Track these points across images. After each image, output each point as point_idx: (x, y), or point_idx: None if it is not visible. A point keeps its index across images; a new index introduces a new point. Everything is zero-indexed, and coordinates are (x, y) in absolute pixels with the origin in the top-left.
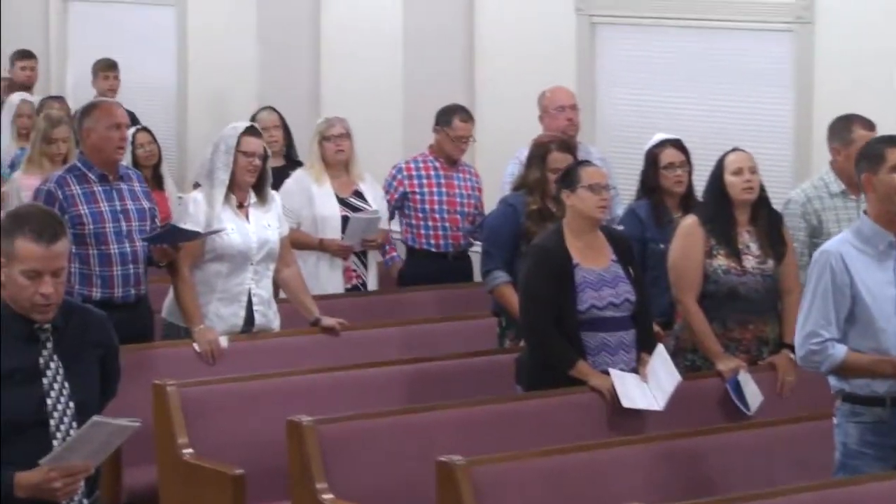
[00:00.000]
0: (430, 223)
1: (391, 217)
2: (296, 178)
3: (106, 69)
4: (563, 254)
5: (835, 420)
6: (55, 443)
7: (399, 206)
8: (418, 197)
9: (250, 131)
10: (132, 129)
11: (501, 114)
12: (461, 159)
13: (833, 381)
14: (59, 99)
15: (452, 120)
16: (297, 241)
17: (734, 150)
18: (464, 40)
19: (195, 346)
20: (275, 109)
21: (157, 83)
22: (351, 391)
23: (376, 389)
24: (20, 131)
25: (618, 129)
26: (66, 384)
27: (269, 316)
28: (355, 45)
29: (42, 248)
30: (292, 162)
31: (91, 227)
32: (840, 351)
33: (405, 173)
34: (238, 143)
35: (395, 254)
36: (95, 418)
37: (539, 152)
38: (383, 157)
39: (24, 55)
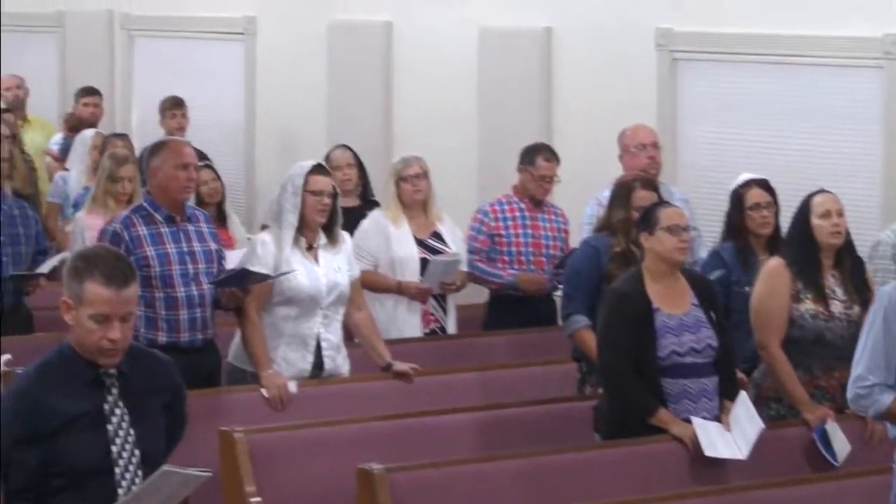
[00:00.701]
0: (517, 266)
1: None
2: (372, 219)
3: (173, 107)
4: (641, 298)
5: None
6: (120, 491)
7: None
8: (505, 240)
9: (318, 170)
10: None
11: (579, 153)
12: (546, 199)
13: (890, 427)
14: (123, 136)
15: (536, 159)
16: (375, 284)
17: (820, 191)
18: (541, 76)
19: (263, 391)
20: (349, 148)
21: (224, 120)
22: (424, 438)
23: (450, 437)
24: (94, 163)
25: (700, 169)
26: (132, 431)
27: (338, 361)
28: (428, 81)
29: (112, 293)
30: (368, 202)
31: (157, 269)
32: (887, 398)
33: (491, 216)
34: (305, 183)
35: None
36: (165, 467)
37: (623, 191)
38: (457, 197)
39: (88, 92)
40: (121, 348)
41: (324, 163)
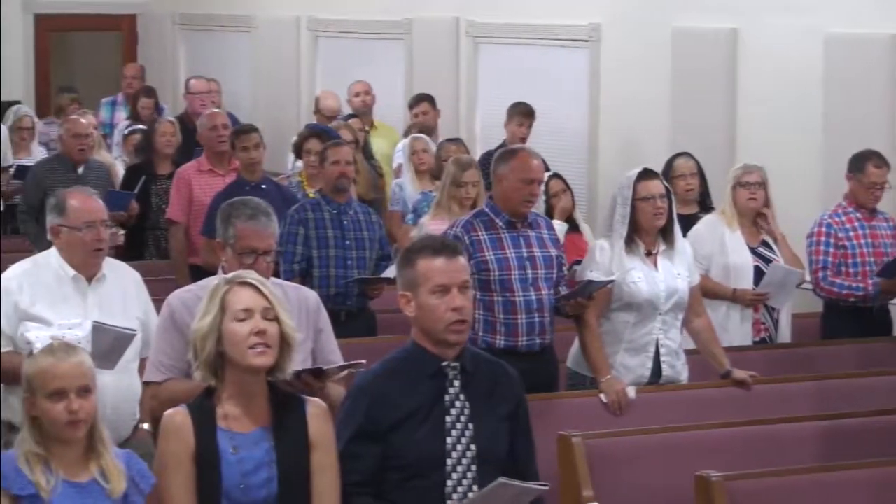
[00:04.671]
0: (860, 278)
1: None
2: (707, 222)
3: (521, 116)
4: None
5: None
6: (449, 483)
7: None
8: (849, 252)
9: (645, 175)
10: (545, 175)
11: None
12: (877, 206)
13: None
14: (457, 141)
15: (866, 166)
16: (709, 291)
17: None
18: (889, 84)
19: (602, 396)
20: (692, 156)
21: (567, 127)
22: (762, 446)
23: (789, 445)
24: (417, 168)
25: None
26: (470, 426)
27: (676, 367)
28: (773, 89)
29: (444, 262)
30: (707, 210)
31: (496, 273)
32: None
33: (834, 227)
34: (634, 192)
35: None
36: (501, 479)
37: None
38: (801, 207)
39: (420, 99)
40: (466, 319)
41: (651, 168)
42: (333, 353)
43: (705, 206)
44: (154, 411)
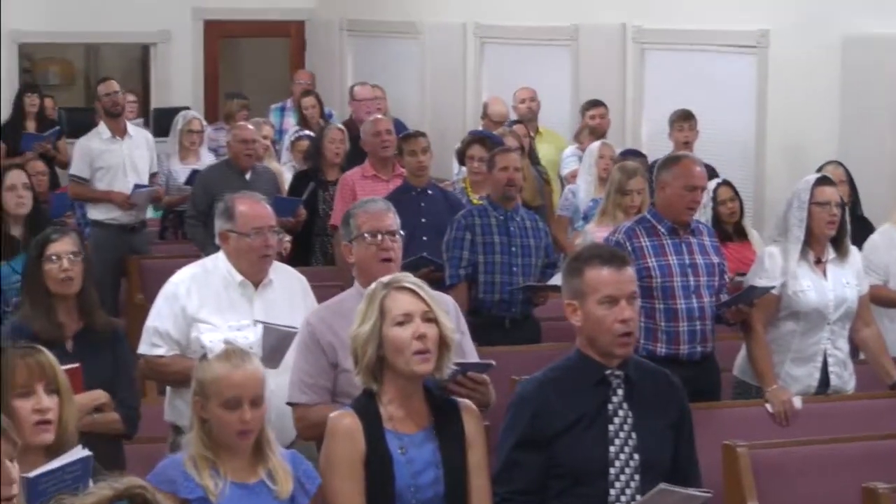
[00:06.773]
0: None
1: None
2: (882, 231)
3: (681, 120)
4: None
5: None
6: (612, 492)
7: None
8: None
9: (824, 181)
10: (713, 183)
11: None
12: None
13: None
14: (640, 156)
15: None
16: (885, 299)
17: None
18: None
19: (767, 406)
20: (840, 163)
21: (735, 134)
22: None
23: None
24: (601, 174)
25: None
26: (633, 435)
27: (844, 377)
28: None
29: (612, 273)
30: (856, 218)
31: (658, 280)
32: None
33: None
34: (812, 196)
35: None
36: (662, 485)
37: None
38: None
39: (594, 104)
40: (633, 331)
41: (829, 175)
42: (472, 356)
43: (855, 214)
44: (301, 433)
